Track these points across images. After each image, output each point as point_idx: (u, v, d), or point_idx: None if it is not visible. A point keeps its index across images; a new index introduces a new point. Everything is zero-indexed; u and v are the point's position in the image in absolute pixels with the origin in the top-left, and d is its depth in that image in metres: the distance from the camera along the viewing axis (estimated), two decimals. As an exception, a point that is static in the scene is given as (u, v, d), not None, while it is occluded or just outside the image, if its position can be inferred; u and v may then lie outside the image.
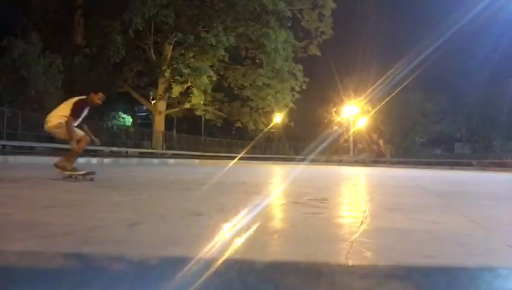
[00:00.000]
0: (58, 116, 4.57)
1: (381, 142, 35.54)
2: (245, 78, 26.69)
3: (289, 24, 25.72)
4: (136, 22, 19.00)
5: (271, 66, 25.43)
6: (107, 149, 18.13)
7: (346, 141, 36.27)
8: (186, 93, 25.09)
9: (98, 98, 4.75)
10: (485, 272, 1.26)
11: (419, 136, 37.18)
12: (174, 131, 30.52)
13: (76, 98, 4.70)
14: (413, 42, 20.44)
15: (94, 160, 14.90)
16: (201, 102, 26.14)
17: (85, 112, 4.74)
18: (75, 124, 4.66)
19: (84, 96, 4.73)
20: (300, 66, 27.88)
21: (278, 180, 7.11)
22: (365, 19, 32.65)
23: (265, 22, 23.16)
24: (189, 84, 23.68)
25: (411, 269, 1.25)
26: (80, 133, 4.70)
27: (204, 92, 24.66)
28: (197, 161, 22.45)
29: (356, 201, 3.58)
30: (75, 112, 4.56)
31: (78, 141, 4.59)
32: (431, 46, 19.00)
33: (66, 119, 4.52)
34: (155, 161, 19.45)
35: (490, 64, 28.36)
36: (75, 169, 4.61)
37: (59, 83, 16.88)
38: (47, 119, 4.63)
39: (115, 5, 19.05)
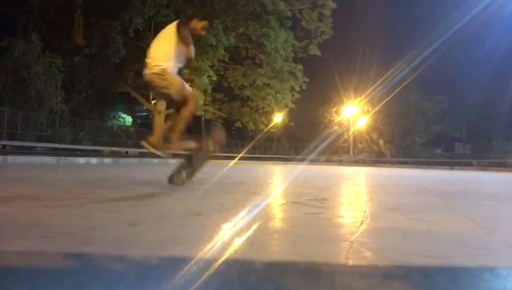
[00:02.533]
0: (162, 58, 3.42)
1: (381, 142, 35.57)
2: (245, 78, 26.69)
3: (289, 24, 25.73)
4: (136, 22, 19.01)
5: (271, 66, 25.45)
6: (107, 149, 18.18)
7: (346, 141, 36.32)
8: (186, 93, 25.10)
9: (202, 26, 3.52)
10: (485, 272, 1.26)
11: (419, 136, 37.25)
12: (174, 131, 30.51)
13: (174, 24, 3.43)
14: (413, 42, 20.51)
15: (94, 160, 14.89)
16: (201, 102, 26.14)
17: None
18: (179, 62, 3.49)
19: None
20: (300, 66, 27.89)
21: (278, 180, 7.10)
22: (365, 18, 32.73)
23: (265, 22, 23.17)
24: (189, 84, 23.69)
25: (411, 269, 1.25)
26: (185, 86, 3.37)
27: (204, 92, 24.66)
28: (197, 160, 22.42)
29: (356, 201, 3.58)
30: (184, 35, 3.26)
31: (184, 102, 3.26)
32: (431, 46, 19.05)
33: (170, 62, 3.35)
34: (155, 160, 19.41)
35: (490, 64, 28.42)
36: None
37: (59, 83, 16.91)
38: (148, 65, 3.46)
39: (115, 5, 19.06)
